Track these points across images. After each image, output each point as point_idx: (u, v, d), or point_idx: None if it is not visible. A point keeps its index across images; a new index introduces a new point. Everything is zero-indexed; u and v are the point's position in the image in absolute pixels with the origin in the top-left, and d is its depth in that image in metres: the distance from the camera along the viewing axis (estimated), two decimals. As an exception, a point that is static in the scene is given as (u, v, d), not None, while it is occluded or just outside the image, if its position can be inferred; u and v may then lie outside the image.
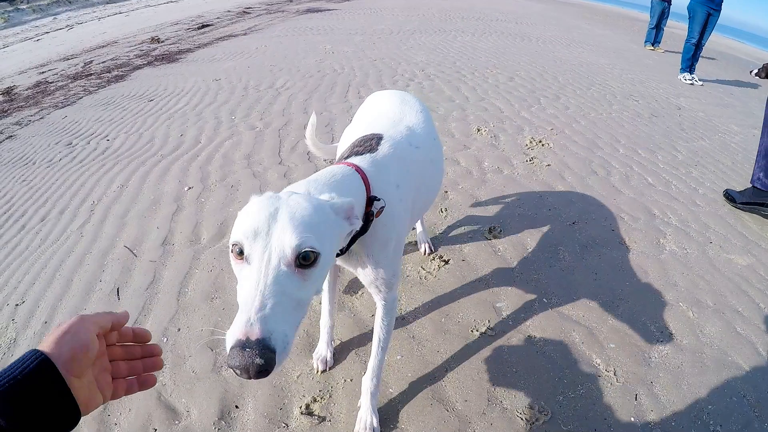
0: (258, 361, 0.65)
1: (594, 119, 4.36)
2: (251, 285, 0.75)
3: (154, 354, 0.81)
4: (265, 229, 0.80)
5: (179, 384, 1.64)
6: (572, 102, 4.86)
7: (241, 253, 0.80)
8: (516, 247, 2.39)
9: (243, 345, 0.67)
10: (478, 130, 3.88)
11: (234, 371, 0.67)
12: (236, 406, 1.55)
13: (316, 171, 1.42)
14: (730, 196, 3.04)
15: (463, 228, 2.55)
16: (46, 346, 0.59)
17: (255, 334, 0.68)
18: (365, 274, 1.25)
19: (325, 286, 1.63)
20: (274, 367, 0.68)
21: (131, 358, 0.77)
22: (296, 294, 0.77)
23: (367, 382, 1.48)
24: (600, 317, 1.96)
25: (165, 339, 1.83)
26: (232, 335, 0.69)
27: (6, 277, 2.31)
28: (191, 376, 1.67)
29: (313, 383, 1.63)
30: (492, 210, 2.71)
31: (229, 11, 13.13)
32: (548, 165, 3.30)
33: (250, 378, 0.67)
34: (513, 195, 2.88)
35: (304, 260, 0.79)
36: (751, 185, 2.94)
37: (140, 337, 0.80)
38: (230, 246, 0.82)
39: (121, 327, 0.76)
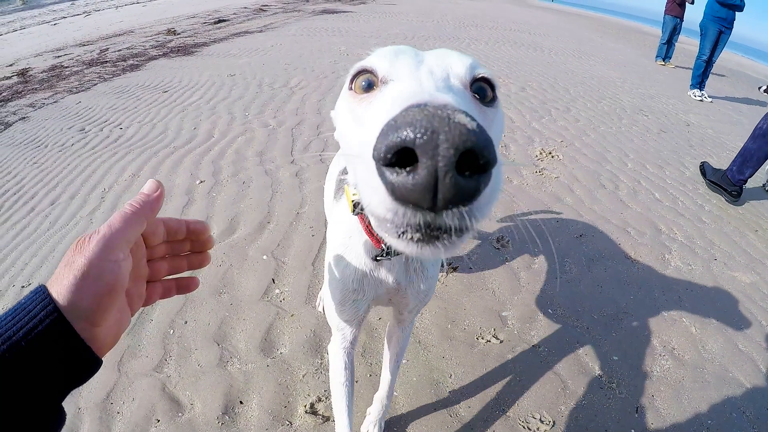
0: (462, 117, 0.33)
1: (604, 132, 4.39)
2: (408, 84, 0.49)
3: (204, 248, 0.66)
4: (412, 52, 0.58)
5: (184, 376, 1.68)
6: (583, 114, 4.89)
7: (369, 86, 0.56)
8: (523, 257, 2.42)
9: (421, 104, 0.35)
10: (488, 140, 3.90)
11: (402, 143, 0.33)
12: (240, 402, 1.59)
13: (328, 172, 1.46)
14: (704, 170, 3.56)
15: (471, 236, 2.58)
16: (60, 291, 0.44)
17: (442, 99, 0.39)
18: (416, 294, 0.98)
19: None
20: (492, 146, 0.34)
21: (175, 254, 0.63)
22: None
23: (383, 401, 1.44)
24: (604, 330, 1.99)
25: (172, 331, 1.87)
26: (393, 109, 0.38)
27: (13, 258, 2.36)
28: (196, 369, 1.71)
29: (318, 383, 1.67)
30: (500, 220, 2.75)
31: (245, 7, 13.22)
32: (557, 177, 3.33)
33: (442, 151, 0.32)
34: (522, 206, 2.91)
35: (480, 94, 0.56)
36: (724, 171, 3.37)
37: (195, 234, 0.64)
38: (349, 80, 0.59)
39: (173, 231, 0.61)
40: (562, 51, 8.93)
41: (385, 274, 0.92)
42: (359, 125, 0.54)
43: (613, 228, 2.75)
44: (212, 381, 1.66)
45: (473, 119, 0.34)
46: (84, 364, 0.46)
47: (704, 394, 1.74)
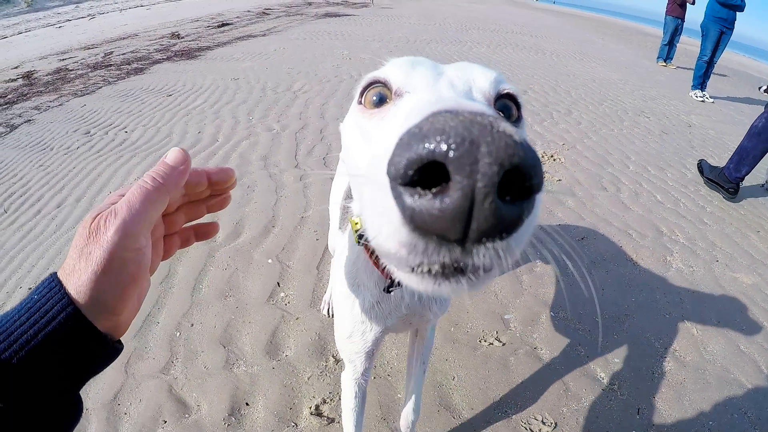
0: (507, 127, 0.27)
1: (605, 135, 4.41)
2: (427, 96, 0.43)
3: (224, 191, 0.59)
4: (430, 64, 0.52)
5: (190, 378, 1.70)
6: (584, 117, 4.91)
7: (381, 100, 0.50)
8: (525, 261, 2.44)
9: (452, 110, 0.28)
10: (491, 143, 3.92)
11: (429, 156, 0.26)
12: (246, 404, 1.61)
13: (330, 193, 1.48)
14: (701, 167, 3.61)
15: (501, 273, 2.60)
16: (78, 288, 0.40)
17: (472, 106, 0.32)
18: (434, 312, 0.96)
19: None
20: (539, 164, 0.28)
21: (192, 201, 0.57)
22: None
23: (409, 416, 1.36)
24: (606, 332, 2.01)
25: (178, 333, 1.89)
26: (416, 116, 0.30)
27: (20, 260, 2.39)
28: (203, 371, 1.73)
29: (323, 385, 1.69)
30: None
31: (248, 11, 13.29)
32: (559, 180, 3.35)
33: (482, 167, 0.25)
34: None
35: (504, 113, 0.50)
36: (721, 169, 3.42)
37: (219, 184, 0.57)
38: (359, 93, 0.53)
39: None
40: (563, 53, 8.95)
41: (397, 303, 0.86)
42: (368, 143, 0.47)
43: (614, 230, 2.77)
44: (218, 383, 1.68)
45: (518, 133, 0.27)
46: (105, 355, 0.43)
47: (706, 396, 1.75)
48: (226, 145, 3.70)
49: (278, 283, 2.18)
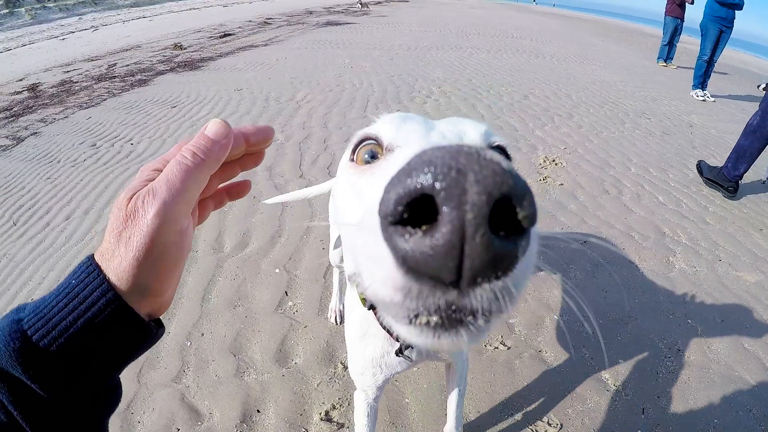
0: (494, 155, 0.26)
1: (606, 138, 4.43)
2: (416, 149, 0.37)
3: (260, 148, 0.54)
4: (421, 119, 0.53)
5: (202, 387, 1.74)
6: (585, 120, 4.94)
7: (373, 157, 0.49)
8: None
9: (440, 146, 0.27)
10: (492, 149, 3.95)
11: (418, 190, 0.25)
12: (258, 411, 1.65)
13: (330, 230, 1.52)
14: (700, 168, 3.64)
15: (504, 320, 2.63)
16: (118, 273, 0.39)
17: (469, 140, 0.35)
18: (458, 354, 0.98)
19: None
20: (531, 194, 0.26)
21: (229, 161, 0.51)
22: None
23: None
24: (610, 334, 2.03)
25: (189, 343, 1.93)
26: (403, 160, 0.28)
27: (30, 272, 2.44)
28: (214, 379, 1.77)
29: (333, 391, 1.72)
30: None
31: (250, 21, 13.41)
32: (561, 184, 3.38)
33: (470, 197, 0.24)
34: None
35: None
36: (720, 168, 3.45)
37: (257, 144, 0.52)
38: (351, 150, 0.53)
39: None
40: (563, 57, 8.99)
41: (409, 352, 0.84)
42: (360, 200, 0.46)
43: (617, 233, 2.79)
44: (230, 391, 1.72)
45: (508, 161, 0.27)
46: (147, 339, 0.42)
47: (710, 394, 1.77)
48: (231, 156, 3.74)
49: (286, 292, 2.21)
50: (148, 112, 5.04)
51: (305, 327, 2.01)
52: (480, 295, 0.27)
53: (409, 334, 0.31)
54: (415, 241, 0.25)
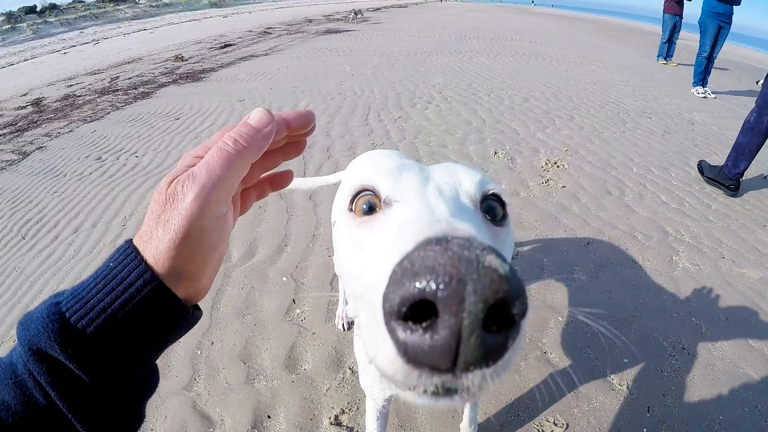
0: (492, 260, 0.29)
1: (608, 138, 4.46)
2: (417, 208, 0.43)
3: (301, 137, 0.53)
4: (417, 168, 0.53)
5: (213, 394, 1.77)
6: (586, 122, 4.97)
7: (371, 209, 0.50)
8: (532, 268, 2.49)
9: (440, 239, 0.30)
10: (495, 153, 4.01)
11: (420, 295, 0.28)
12: (268, 416, 1.68)
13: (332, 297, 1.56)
14: (701, 168, 3.65)
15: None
16: (156, 256, 0.39)
17: (463, 230, 0.34)
18: None
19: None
20: (524, 292, 0.29)
21: (271, 150, 0.51)
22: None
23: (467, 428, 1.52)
24: (614, 334, 2.05)
25: (199, 351, 1.97)
26: (405, 243, 0.33)
27: (41, 285, 2.50)
28: (225, 387, 1.80)
29: (342, 396, 1.75)
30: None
31: (250, 31, 13.53)
32: (563, 186, 3.41)
33: (468, 305, 0.27)
34: (530, 217, 2.99)
35: (490, 213, 0.51)
36: (720, 167, 3.47)
37: (298, 129, 0.51)
38: (349, 200, 0.53)
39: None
40: (563, 58, 9.01)
41: None
42: (361, 252, 0.47)
43: (620, 234, 2.81)
44: (240, 397, 1.75)
45: (503, 259, 0.29)
46: (184, 321, 0.42)
47: (715, 391, 1.79)
48: (236, 167, 3.78)
49: (294, 300, 2.25)
50: (151, 124, 5.11)
51: (313, 334, 2.05)
52: (472, 379, 0.29)
53: (407, 396, 0.33)
54: (415, 337, 0.28)
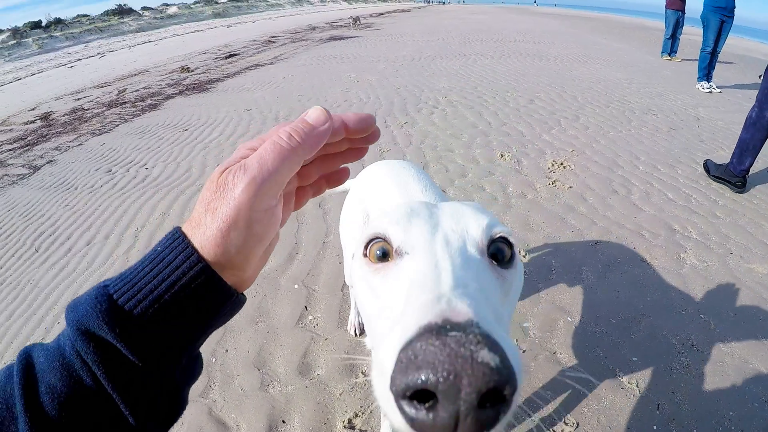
0: (485, 355, 0.32)
1: (614, 137, 4.47)
2: (424, 267, 0.46)
3: (365, 143, 0.52)
4: (426, 214, 0.55)
5: (228, 401, 1.82)
6: (592, 121, 4.98)
7: (384, 255, 0.52)
8: (541, 269, 2.52)
9: (440, 329, 0.34)
10: (502, 156, 4.03)
11: (422, 386, 0.32)
12: (283, 421, 1.72)
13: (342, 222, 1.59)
14: (707, 167, 3.64)
15: None
16: (203, 243, 0.40)
17: (461, 314, 0.37)
18: None
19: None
20: (514, 377, 0.33)
21: (327, 153, 0.52)
22: (495, 296, 0.47)
23: None
24: (623, 332, 2.07)
25: (213, 359, 2.02)
26: (410, 325, 0.36)
27: (55, 296, 2.56)
28: (240, 393, 1.85)
29: (355, 400, 1.79)
30: (517, 234, 2.85)
31: (254, 40, 13.64)
32: (570, 187, 3.43)
33: (464, 395, 0.31)
34: (537, 219, 3.01)
35: (497, 255, 0.53)
36: (726, 165, 3.48)
37: (357, 133, 0.50)
38: (363, 245, 0.55)
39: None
40: (567, 57, 9.02)
41: None
42: (377, 299, 0.51)
43: (627, 233, 2.83)
44: (255, 403, 1.79)
45: (497, 348, 0.33)
46: (228, 304, 0.43)
47: (724, 387, 1.80)
48: (245, 177, 3.84)
49: (306, 307, 2.29)
50: (160, 136, 5.18)
51: (326, 339, 2.09)
52: None
53: None
54: (420, 415, 0.33)
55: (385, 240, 0.53)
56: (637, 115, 5.21)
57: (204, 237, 0.40)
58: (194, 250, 0.39)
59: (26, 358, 0.38)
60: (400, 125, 4.99)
